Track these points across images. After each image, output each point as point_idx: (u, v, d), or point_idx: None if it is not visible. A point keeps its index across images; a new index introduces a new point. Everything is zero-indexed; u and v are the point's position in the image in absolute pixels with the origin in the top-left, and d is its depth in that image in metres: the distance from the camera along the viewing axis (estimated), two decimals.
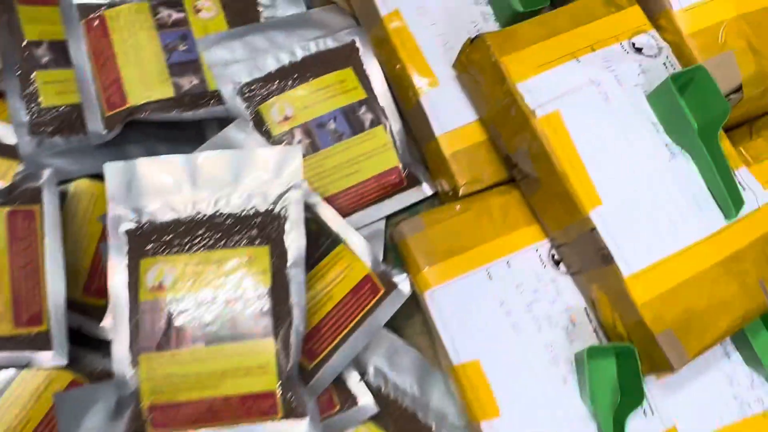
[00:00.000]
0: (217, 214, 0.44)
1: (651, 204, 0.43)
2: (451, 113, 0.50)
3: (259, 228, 0.43)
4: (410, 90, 0.51)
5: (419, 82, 0.51)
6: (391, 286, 0.48)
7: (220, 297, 0.41)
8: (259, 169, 0.45)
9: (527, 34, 0.46)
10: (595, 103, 0.44)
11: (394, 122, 0.54)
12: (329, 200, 0.51)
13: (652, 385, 0.45)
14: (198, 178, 0.44)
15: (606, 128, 0.44)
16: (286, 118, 0.52)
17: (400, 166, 0.53)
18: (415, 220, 0.49)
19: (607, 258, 0.42)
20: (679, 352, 0.42)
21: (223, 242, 0.43)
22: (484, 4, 0.53)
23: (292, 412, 0.41)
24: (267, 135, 0.51)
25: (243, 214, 0.44)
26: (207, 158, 0.45)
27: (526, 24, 0.47)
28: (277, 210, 0.44)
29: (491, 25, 0.52)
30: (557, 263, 0.48)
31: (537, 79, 0.45)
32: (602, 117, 0.44)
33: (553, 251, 0.48)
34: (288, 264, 0.43)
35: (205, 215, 0.44)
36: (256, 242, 0.43)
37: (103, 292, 0.44)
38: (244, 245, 0.43)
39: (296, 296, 0.43)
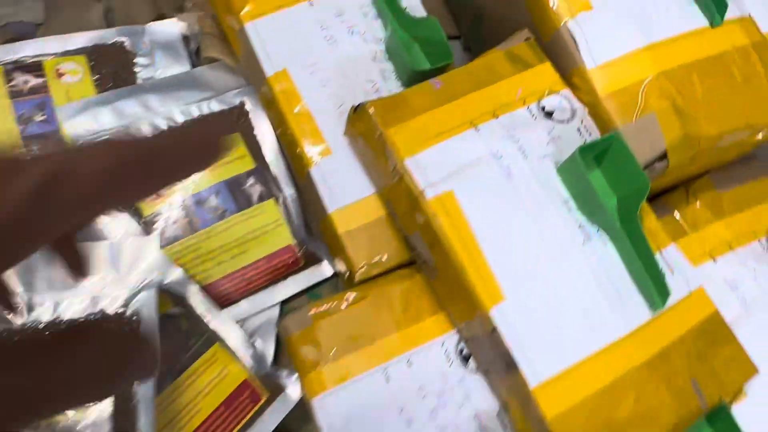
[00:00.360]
0: (57, 321, 0.37)
1: (563, 297, 0.37)
2: (345, 186, 0.44)
3: None
4: (300, 159, 0.45)
5: (310, 150, 0.45)
6: (277, 391, 0.42)
7: (51, 428, 0.35)
8: (108, 265, 0.38)
9: (419, 99, 0.40)
10: (495, 179, 0.38)
11: (289, 194, 0.48)
12: (210, 288, 0.45)
13: None
14: (34, 278, 0.38)
15: (509, 209, 0.38)
16: (160, 195, 0.45)
17: (295, 243, 0.47)
18: (302, 313, 0.42)
19: (510, 364, 0.36)
20: None
21: None
22: (384, 60, 0.47)
23: None
24: (137, 215, 0.45)
25: (87, 321, 0.37)
26: (44, 255, 0.38)
27: (419, 88, 0.41)
28: (128, 314, 0.38)
29: (392, 84, 0.47)
30: (466, 359, 0.42)
31: (429, 153, 0.39)
32: (504, 196, 0.38)
33: (462, 345, 0.42)
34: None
35: (42, 323, 0.37)
36: None
37: None
38: None
39: (144, 419, 0.36)
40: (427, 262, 0.41)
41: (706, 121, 0.41)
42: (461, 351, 0.42)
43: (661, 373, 0.37)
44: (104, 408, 0.35)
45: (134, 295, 0.38)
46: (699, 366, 0.38)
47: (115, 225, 0.44)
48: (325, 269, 0.48)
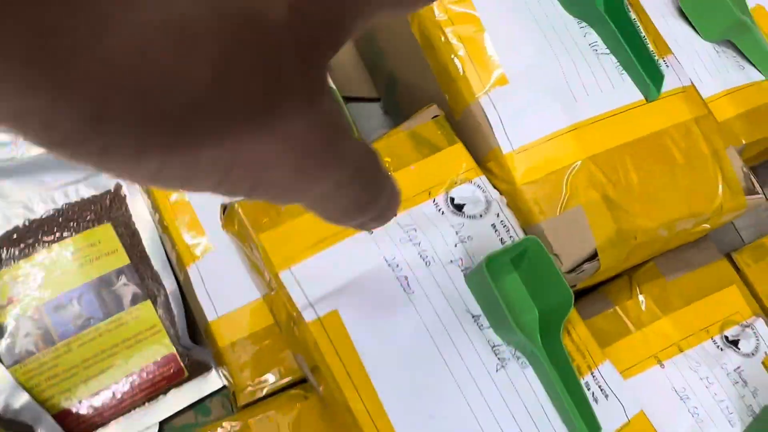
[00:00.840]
0: None
1: None
2: (229, 288, 0.38)
3: None
4: (179, 256, 0.38)
5: (189, 246, 0.38)
6: None
7: None
8: None
9: None
10: (390, 294, 0.32)
11: (171, 290, 0.41)
12: (70, 412, 0.38)
13: None
14: None
15: (406, 331, 0.32)
16: (10, 302, 0.38)
17: (177, 352, 0.40)
18: None
19: None
20: None
21: None
22: None
23: None
24: None
25: None
26: None
27: None
28: None
29: None
30: None
31: (309, 262, 0.32)
32: (400, 314, 0.32)
33: None
34: None
35: None
36: None
37: None
38: None
39: None
40: (315, 387, 0.34)
41: (643, 212, 0.35)
42: None
43: None
44: None
45: None
46: None
47: None
48: (213, 380, 0.41)
